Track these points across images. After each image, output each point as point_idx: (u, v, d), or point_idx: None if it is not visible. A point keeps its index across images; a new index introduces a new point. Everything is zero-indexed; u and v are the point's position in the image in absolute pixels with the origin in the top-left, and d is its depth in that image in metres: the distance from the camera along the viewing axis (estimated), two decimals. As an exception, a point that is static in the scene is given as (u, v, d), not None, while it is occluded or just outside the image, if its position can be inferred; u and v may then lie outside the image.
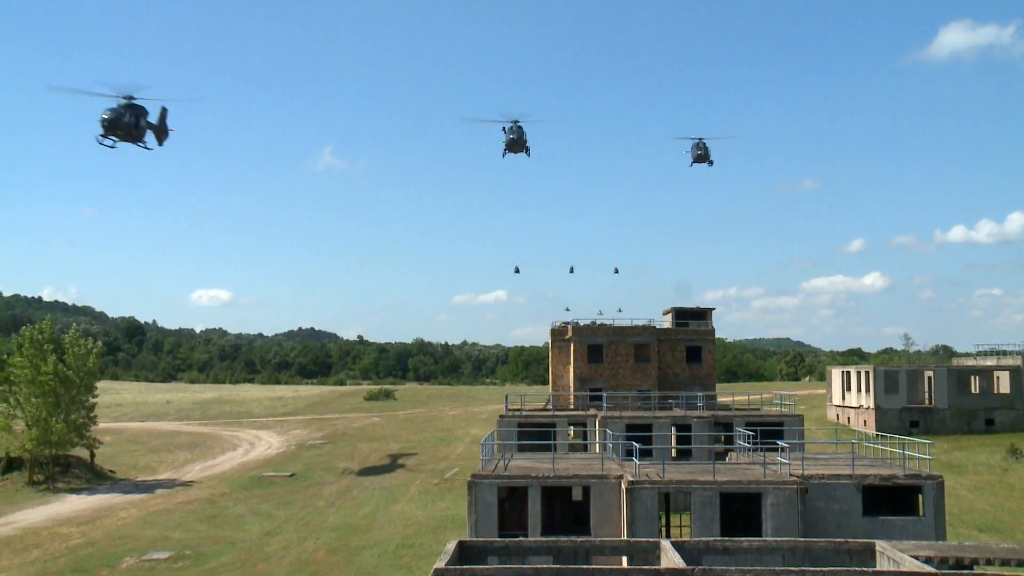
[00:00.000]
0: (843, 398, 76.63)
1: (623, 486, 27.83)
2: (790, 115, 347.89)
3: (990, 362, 78.40)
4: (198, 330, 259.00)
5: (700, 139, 46.84)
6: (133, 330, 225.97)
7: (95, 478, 59.38)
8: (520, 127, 40.91)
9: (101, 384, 67.74)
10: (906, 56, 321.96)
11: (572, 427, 50.88)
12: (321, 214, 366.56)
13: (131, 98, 29.78)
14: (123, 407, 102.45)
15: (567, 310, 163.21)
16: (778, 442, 33.30)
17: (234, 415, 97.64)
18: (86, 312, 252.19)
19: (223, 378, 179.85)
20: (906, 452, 31.06)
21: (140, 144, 29.21)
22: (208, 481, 57.57)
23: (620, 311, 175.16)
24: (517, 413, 50.41)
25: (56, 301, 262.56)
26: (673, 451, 45.74)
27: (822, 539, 24.51)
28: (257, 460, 65.73)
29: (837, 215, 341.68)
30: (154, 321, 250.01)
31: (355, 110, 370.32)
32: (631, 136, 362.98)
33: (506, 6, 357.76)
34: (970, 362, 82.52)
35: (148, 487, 56.54)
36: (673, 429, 47.76)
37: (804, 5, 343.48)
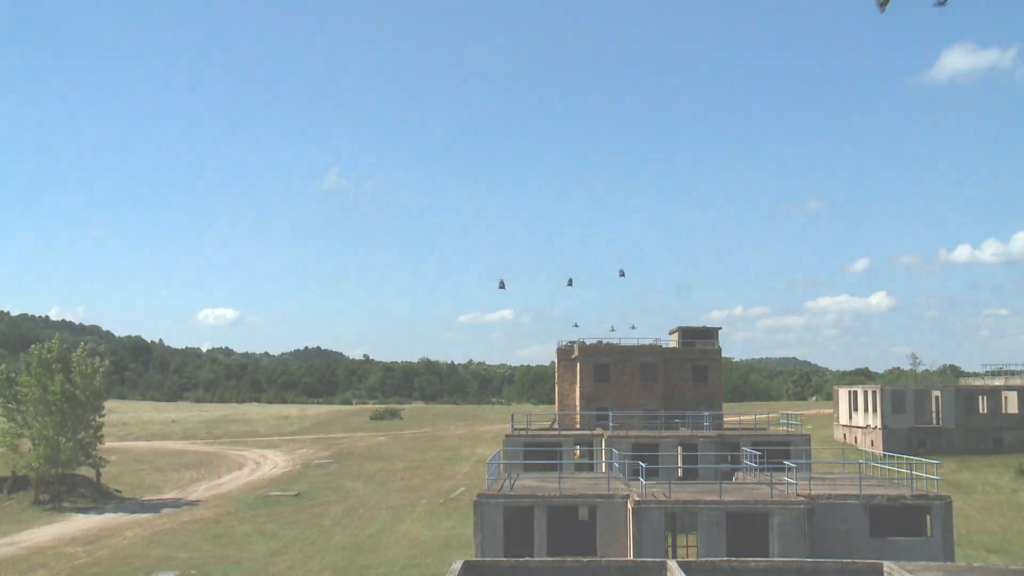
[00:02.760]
0: (850, 418, 76.32)
1: (629, 506, 27.78)
2: (793, 136, 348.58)
3: (998, 382, 78.08)
4: (204, 349, 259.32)
5: None
6: (139, 349, 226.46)
7: (101, 497, 59.37)
8: None
9: (107, 403, 67.84)
10: (910, 77, 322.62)
11: (578, 446, 50.78)
12: (327, 233, 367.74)
13: None
14: (129, 426, 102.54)
15: (575, 326, 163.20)
16: (785, 462, 33.21)
17: (240, 434, 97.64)
18: (93, 331, 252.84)
19: (229, 397, 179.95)
20: (913, 472, 30.96)
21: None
22: (214, 500, 57.51)
23: (633, 327, 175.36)
24: (523, 432, 50.32)
25: (63, 320, 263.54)
26: (680, 471, 45.60)
27: (829, 559, 24.41)
28: (263, 479, 65.66)
29: (841, 235, 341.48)
30: (160, 340, 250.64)
31: (362, 129, 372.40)
32: (631, 155, 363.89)
33: (506, 23, 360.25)
34: (978, 382, 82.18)
35: (154, 506, 56.49)
36: (679, 449, 47.63)
37: (807, 27, 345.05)
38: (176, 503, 57.33)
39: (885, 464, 35.44)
